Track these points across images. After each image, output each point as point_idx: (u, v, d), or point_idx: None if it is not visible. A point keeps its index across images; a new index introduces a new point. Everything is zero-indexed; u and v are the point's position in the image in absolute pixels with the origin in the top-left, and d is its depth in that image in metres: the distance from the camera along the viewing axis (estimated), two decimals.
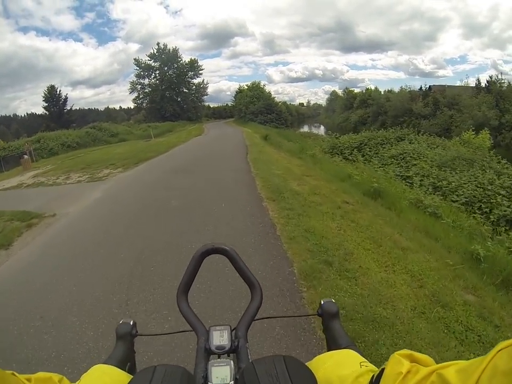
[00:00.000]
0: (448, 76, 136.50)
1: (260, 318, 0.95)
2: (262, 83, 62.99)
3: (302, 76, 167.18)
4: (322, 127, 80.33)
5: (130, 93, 69.16)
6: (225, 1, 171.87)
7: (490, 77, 44.86)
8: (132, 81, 68.84)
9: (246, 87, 62.90)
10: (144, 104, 70.25)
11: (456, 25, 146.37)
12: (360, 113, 64.38)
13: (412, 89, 58.90)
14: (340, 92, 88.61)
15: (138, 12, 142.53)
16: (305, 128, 67.57)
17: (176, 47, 71.61)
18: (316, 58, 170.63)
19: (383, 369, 0.59)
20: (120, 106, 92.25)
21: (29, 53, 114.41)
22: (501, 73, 57.71)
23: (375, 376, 0.60)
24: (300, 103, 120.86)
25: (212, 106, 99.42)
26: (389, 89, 65.33)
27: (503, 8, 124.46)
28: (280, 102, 52.59)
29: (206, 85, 74.97)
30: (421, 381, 0.50)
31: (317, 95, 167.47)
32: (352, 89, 79.11)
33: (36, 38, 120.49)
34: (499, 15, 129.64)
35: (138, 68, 67.90)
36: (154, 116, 65.55)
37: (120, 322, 0.96)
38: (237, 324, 0.89)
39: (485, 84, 45.66)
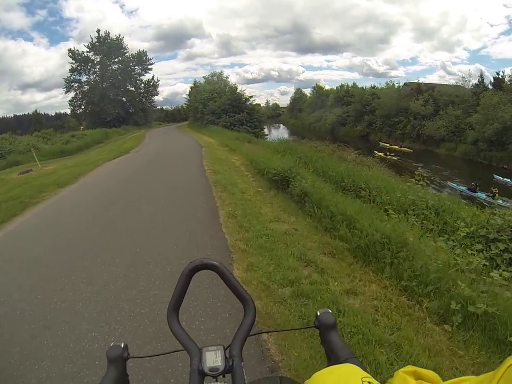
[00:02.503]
0: (400, 76, 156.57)
1: (253, 334, 0.96)
2: (225, 74, 51.50)
3: (258, 77, 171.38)
4: (281, 127, 77.69)
5: (66, 92, 56.21)
6: (181, 1, 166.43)
7: (497, 73, 38.53)
8: (66, 77, 55.65)
9: (204, 80, 50.91)
10: (82, 107, 57.73)
11: (408, 29, 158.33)
12: (339, 112, 56.92)
13: (400, 84, 51.66)
14: (307, 91, 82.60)
15: (92, 11, 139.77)
16: (265, 130, 57.44)
17: (120, 35, 59.77)
18: (271, 60, 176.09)
19: None
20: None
21: None
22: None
23: None
24: (256, 104, 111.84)
25: (165, 109, 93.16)
26: (373, 85, 58.11)
27: (452, 14, 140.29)
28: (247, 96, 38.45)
29: (156, 82, 63.22)
30: None
31: (273, 95, 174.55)
32: (323, 85, 74.03)
33: None
34: (448, 20, 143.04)
35: (73, 61, 55.06)
36: (94, 121, 54.28)
37: (111, 345, 0.91)
38: (230, 342, 0.88)
39: (491, 82, 39.00)
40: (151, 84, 61.86)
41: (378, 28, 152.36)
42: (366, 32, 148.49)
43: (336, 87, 66.17)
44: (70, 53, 54.31)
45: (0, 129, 43.89)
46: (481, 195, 19.24)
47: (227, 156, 15.07)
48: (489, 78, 40.23)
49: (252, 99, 38.53)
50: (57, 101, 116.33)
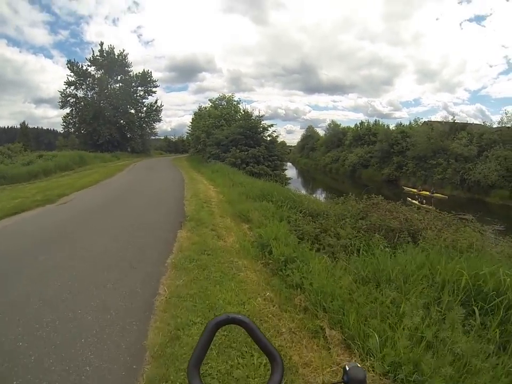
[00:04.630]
0: (403, 117, 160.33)
1: None
2: (236, 97, 40.09)
3: (265, 114, 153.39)
4: (289, 164, 68.52)
5: (61, 107, 49.59)
6: (196, 35, 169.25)
7: None
8: (61, 90, 49.14)
9: (210, 104, 39.66)
10: (76, 125, 51.02)
11: (411, 71, 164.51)
12: (361, 152, 50.65)
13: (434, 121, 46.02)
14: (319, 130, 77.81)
15: (111, 37, 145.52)
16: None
17: (124, 50, 53.88)
18: (279, 98, 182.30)
19: None
20: None
21: None
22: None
23: None
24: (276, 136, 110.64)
25: (169, 138, 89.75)
26: (400, 122, 54.22)
27: (453, 56, 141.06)
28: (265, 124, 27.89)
29: (160, 107, 57.04)
30: None
31: (279, 134, 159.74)
32: (339, 124, 66.43)
33: (6, 47, 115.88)
34: (449, 62, 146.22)
35: (72, 74, 48.97)
36: (85, 141, 48.43)
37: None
38: None
39: None
40: (154, 108, 55.88)
41: (382, 70, 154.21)
42: (371, 73, 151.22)
43: (355, 124, 60.75)
44: (69, 64, 48.95)
45: (3, 138, 43.17)
46: None
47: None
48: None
49: (273, 128, 27.58)
50: None
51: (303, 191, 24.22)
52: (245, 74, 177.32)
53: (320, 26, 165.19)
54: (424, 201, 25.79)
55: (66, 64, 48.89)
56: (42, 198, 11.65)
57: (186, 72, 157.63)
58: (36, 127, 73.04)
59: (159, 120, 58.20)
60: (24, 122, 62.76)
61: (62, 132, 54.72)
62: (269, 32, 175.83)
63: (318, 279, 4.48)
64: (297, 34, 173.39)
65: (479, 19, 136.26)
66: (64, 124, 50.32)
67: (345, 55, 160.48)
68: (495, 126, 38.44)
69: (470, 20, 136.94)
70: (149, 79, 53.99)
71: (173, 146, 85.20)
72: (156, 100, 56.16)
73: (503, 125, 37.53)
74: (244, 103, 35.64)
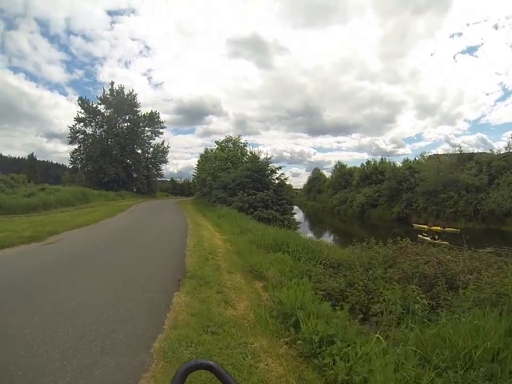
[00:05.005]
0: (407, 154, 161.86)
1: None
2: (243, 139, 38.12)
3: (271, 157, 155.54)
4: (295, 207, 66.69)
5: (70, 143, 49.70)
6: (203, 79, 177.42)
7: None
8: (71, 126, 49.41)
9: (216, 146, 38.51)
10: (83, 161, 50.53)
11: (411, 107, 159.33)
12: (369, 192, 49.72)
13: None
14: (325, 172, 78.19)
15: (123, 79, 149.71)
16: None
17: (133, 90, 53.93)
18: (284, 141, 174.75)
19: None
20: None
21: (15, 94, 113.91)
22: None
23: None
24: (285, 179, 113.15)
25: (175, 181, 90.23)
26: (406, 158, 52.45)
27: (450, 89, 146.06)
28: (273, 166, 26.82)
29: (166, 148, 57.05)
30: None
31: (288, 177, 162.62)
32: (345, 164, 66.46)
33: (24, 81, 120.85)
34: (447, 95, 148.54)
35: (82, 110, 49.23)
36: (90, 178, 47.92)
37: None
38: None
39: None
40: (161, 149, 55.99)
41: (383, 108, 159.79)
42: (373, 112, 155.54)
43: (362, 163, 60.13)
44: (80, 101, 49.46)
45: (12, 168, 42.55)
46: None
47: None
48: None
49: (281, 171, 26.28)
50: None
51: (310, 235, 23.30)
52: (250, 118, 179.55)
53: (322, 68, 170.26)
54: (436, 236, 24.68)
55: (78, 100, 49.74)
56: (30, 234, 10.57)
57: (193, 115, 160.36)
58: (45, 160, 74.42)
59: (166, 162, 58.23)
60: (32, 154, 63.48)
61: (69, 167, 54.24)
62: (273, 75, 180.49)
63: (380, 376, 3.02)
64: (300, 77, 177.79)
65: (471, 50, 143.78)
66: (72, 159, 50.52)
67: (346, 95, 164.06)
68: (502, 152, 38.64)
69: (463, 52, 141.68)
70: (156, 119, 54.22)
71: (178, 188, 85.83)
72: (163, 141, 56.60)
73: (510, 150, 37.50)
74: (250, 145, 34.38)
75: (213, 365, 0.87)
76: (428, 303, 5.35)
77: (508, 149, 38.54)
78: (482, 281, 5.81)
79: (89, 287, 5.86)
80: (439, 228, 31.16)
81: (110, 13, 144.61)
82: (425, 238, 22.97)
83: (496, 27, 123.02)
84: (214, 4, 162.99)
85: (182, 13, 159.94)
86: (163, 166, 58.10)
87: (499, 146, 72.92)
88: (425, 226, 32.01)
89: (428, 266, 6.85)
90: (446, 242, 18.91)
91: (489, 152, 41.88)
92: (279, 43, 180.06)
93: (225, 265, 8.12)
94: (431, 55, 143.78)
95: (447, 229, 30.87)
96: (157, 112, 54.55)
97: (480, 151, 45.06)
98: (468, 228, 31.33)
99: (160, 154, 55.74)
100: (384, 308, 5.06)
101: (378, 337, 3.67)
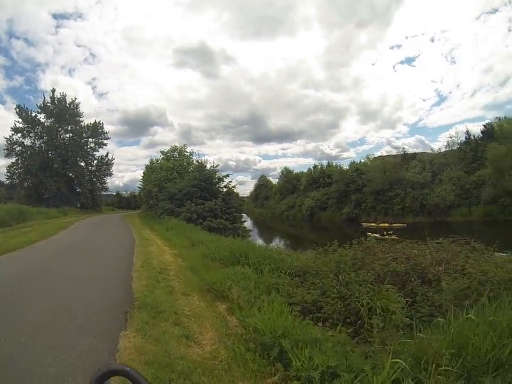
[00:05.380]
0: (352, 157, 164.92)
1: None
2: (189, 149, 36.93)
3: (218, 166, 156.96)
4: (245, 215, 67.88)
5: (6, 156, 45.45)
6: (149, 89, 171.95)
7: (485, 126, 39.93)
8: (7, 137, 45.21)
9: (161, 156, 36.67)
10: (21, 176, 46.19)
11: (354, 113, 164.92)
12: (317, 195, 50.56)
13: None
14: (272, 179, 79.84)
15: (66, 87, 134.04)
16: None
17: (76, 98, 50.15)
18: (229, 150, 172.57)
19: None
20: None
21: None
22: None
23: None
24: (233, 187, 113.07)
25: (121, 194, 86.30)
26: (353, 161, 54.49)
27: (390, 96, 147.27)
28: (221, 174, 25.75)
29: (111, 160, 53.90)
30: None
31: (236, 185, 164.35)
32: (292, 170, 68.13)
33: None
34: (387, 102, 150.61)
35: (20, 120, 45.07)
36: (30, 195, 43.98)
37: None
38: None
39: (479, 136, 39.25)
40: (105, 161, 52.61)
41: (327, 115, 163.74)
42: (317, 119, 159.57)
43: (308, 168, 61.55)
44: (17, 109, 45.02)
45: None
46: None
47: None
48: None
49: (229, 179, 25.23)
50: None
51: (260, 241, 22.68)
52: (195, 128, 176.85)
53: (268, 77, 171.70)
54: (385, 232, 25.62)
55: (15, 108, 45.24)
56: None
57: (138, 126, 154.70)
58: None
59: (110, 175, 55.13)
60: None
61: (6, 182, 49.52)
62: (219, 85, 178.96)
63: None
64: (246, 86, 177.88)
65: (409, 60, 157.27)
66: (8, 174, 46.19)
67: (291, 103, 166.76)
68: (442, 150, 42.33)
69: (402, 62, 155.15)
70: (100, 130, 50.92)
71: (124, 202, 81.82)
72: (107, 153, 53.27)
73: (449, 149, 41.04)
74: (196, 155, 32.99)
75: (126, 370, 0.86)
76: (406, 300, 5.15)
77: (447, 147, 41.99)
78: (453, 271, 5.95)
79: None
80: (386, 224, 32.77)
81: (55, 16, 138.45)
82: (374, 235, 22.99)
83: (432, 40, 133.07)
84: (163, 12, 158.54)
85: (130, 21, 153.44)
86: (108, 179, 54.88)
87: (437, 146, 77.80)
88: (374, 224, 33.41)
89: (397, 263, 6.63)
90: (395, 236, 19.21)
91: (430, 151, 45.38)
92: (226, 53, 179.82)
93: (180, 285, 6.91)
94: (373, 64, 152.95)
95: (394, 224, 32.58)
96: (101, 123, 51.40)
97: (420, 151, 48.62)
98: (416, 222, 33.91)
99: (105, 166, 52.49)
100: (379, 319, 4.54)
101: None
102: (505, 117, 41.62)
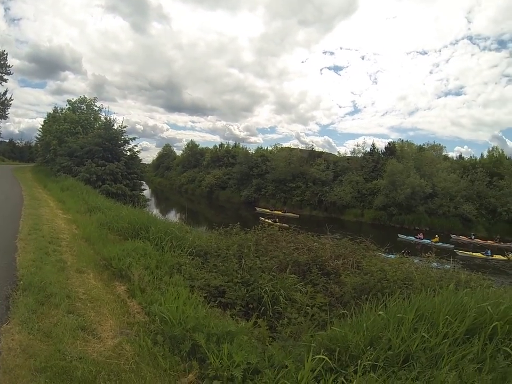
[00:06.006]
0: (259, 143, 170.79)
1: None
2: (99, 103, 32.67)
3: (125, 127, 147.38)
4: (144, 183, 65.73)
5: None
6: (68, 29, 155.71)
7: (389, 143, 44.66)
8: None
9: (67, 106, 31.49)
10: None
11: (271, 101, 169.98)
12: (219, 174, 50.74)
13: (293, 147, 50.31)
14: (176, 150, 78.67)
15: None
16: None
17: None
18: (139, 113, 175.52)
19: None
20: None
21: None
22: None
23: None
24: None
25: (15, 143, 76.30)
26: (260, 146, 55.98)
27: (310, 95, 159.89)
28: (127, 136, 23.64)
29: (9, 101, 43.42)
30: None
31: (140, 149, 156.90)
32: (198, 144, 66.96)
33: None
34: (306, 100, 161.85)
35: None
36: None
37: None
38: None
39: (382, 151, 43.61)
40: (1, 100, 42.44)
41: (244, 97, 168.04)
42: (233, 99, 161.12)
43: (214, 145, 61.82)
44: None
45: None
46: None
47: None
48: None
49: (134, 142, 23.63)
50: None
51: (157, 212, 21.82)
52: (110, 83, 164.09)
53: (196, 47, 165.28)
54: (277, 220, 26.70)
55: None
56: None
57: (48, 67, 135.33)
58: None
59: (5, 117, 44.99)
60: None
61: None
62: (145, 42, 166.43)
63: None
64: (171, 51, 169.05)
65: (337, 69, 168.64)
66: None
67: (212, 78, 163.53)
68: (348, 155, 45.52)
69: (330, 68, 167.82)
70: (2, 62, 40.36)
71: (17, 152, 72.50)
72: (6, 91, 42.68)
73: (355, 155, 44.17)
74: (104, 111, 29.33)
75: None
76: (307, 290, 5.20)
77: (352, 153, 45.27)
78: (349, 266, 6.34)
79: None
80: (280, 212, 34.49)
81: None
82: (267, 220, 23.35)
83: (363, 58, 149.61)
84: None
85: None
86: (1, 123, 46.20)
87: (343, 150, 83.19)
88: (268, 210, 34.76)
89: (298, 253, 6.76)
90: (285, 225, 19.77)
91: (336, 153, 48.89)
92: (163, 10, 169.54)
93: (73, 260, 5.90)
94: (302, 62, 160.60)
95: (287, 214, 34.44)
96: (4, 53, 40.89)
97: (326, 151, 52.10)
98: (312, 215, 36.29)
99: (0, 107, 42.46)
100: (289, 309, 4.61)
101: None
102: (407, 141, 47.48)
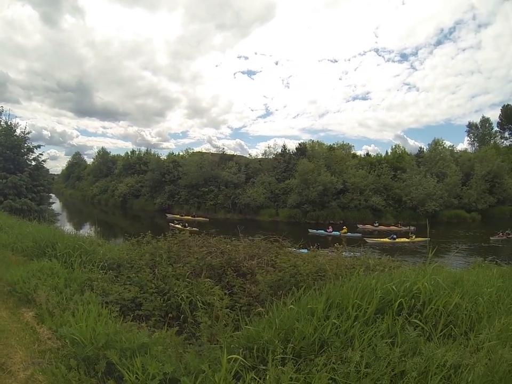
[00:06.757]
0: (171, 148, 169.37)
1: None
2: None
3: (29, 133, 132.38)
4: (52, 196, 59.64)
5: None
6: None
7: (300, 144, 46.20)
8: None
9: None
10: None
11: (183, 106, 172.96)
12: (131, 182, 49.03)
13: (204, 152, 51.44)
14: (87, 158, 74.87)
15: None
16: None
17: None
18: (46, 117, 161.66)
19: None
20: None
21: None
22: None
23: None
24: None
25: None
26: (171, 152, 57.77)
27: (222, 99, 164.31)
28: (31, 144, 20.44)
29: None
30: None
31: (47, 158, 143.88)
32: (109, 152, 63.47)
33: None
34: (218, 103, 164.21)
35: None
36: None
37: None
38: None
39: (293, 151, 45.03)
40: None
41: (157, 102, 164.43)
42: (146, 103, 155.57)
43: (126, 152, 59.20)
44: None
45: None
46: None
47: None
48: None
49: (40, 150, 20.84)
50: None
51: (70, 228, 20.26)
52: (13, 81, 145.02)
53: (110, 46, 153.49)
54: (186, 224, 27.22)
55: None
56: None
57: None
58: None
59: None
60: None
61: None
62: (55, 37, 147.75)
63: None
64: (83, 48, 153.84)
65: (250, 73, 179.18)
66: None
67: (125, 81, 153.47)
68: (259, 157, 47.15)
69: (243, 72, 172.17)
70: None
71: None
72: None
73: (266, 157, 45.89)
74: (5, 114, 24.52)
75: None
76: (224, 292, 5.20)
77: (264, 155, 47.01)
78: (265, 264, 6.31)
79: None
80: (190, 217, 34.93)
81: None
82: (177, 226, 24.32)
83: (276, 63, 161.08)
84: None
85: None
86: None
87: (255, 152, 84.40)
88: (178, 216, 34.92)
89: (211, 257, 6.68)
90: (196, 229, 19.92)
91: (247, 156, 49.89)
92: (77, 2, 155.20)
93: None
94: (216, 66, 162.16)
95: (197, 218, 35.06)
96: None
97: (238, 154, 53.13)
98: (227, 218, 37.05)
99: None
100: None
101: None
102: (317, 141, 50.21)
